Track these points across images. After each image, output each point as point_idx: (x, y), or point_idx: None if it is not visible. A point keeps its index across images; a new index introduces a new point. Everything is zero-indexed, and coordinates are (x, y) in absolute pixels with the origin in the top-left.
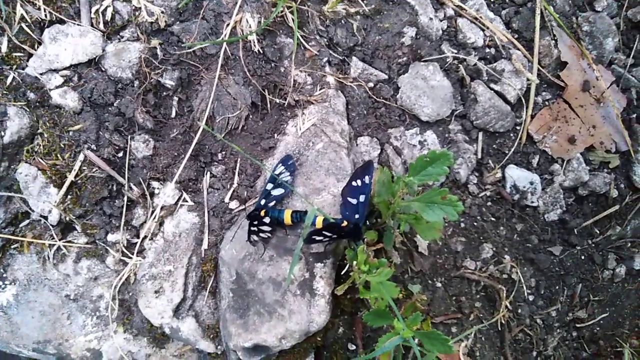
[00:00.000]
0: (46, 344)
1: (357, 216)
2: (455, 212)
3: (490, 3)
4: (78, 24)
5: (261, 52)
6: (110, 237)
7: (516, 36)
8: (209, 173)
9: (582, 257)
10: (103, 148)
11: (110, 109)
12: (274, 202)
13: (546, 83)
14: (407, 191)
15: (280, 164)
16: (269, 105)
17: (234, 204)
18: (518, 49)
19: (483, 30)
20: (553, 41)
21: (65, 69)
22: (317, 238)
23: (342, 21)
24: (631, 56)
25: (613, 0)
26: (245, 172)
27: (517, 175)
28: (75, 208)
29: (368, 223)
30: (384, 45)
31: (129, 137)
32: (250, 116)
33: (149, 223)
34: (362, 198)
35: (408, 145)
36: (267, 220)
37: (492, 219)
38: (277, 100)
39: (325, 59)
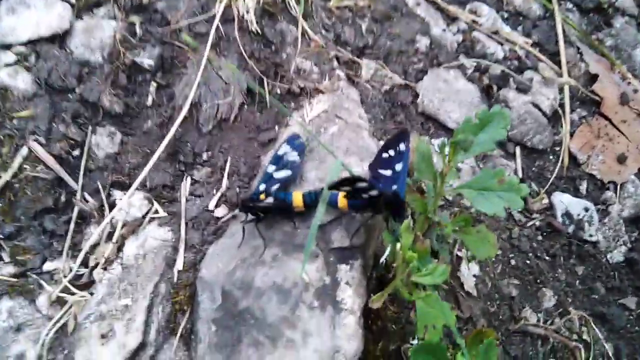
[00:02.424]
0: None
1: (394, 187)
2: (519, 199)
3: (505, 19)
4: None
5: (260, 32)
6: (48, 266)
7: (538, 49)
8: (189, 178)
9: None
10: (54, 142)
11: (70, 95)
12: (277, 186)
13: (579, 100)
14: (456, 164)
15: (285, 143)
16: (267, 95)
17: (221, 211)
18: (542, 61)
19: (501, 44)
20: (578, 55)
21: (21, 44)
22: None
23: (349, 21)
24: None
25: (630, 18)
26: (238, 172)
27: (568, 201)
28: (5, 222)
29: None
30: (396, 50)
31: (90, 128)
32: (246, 105)
33: (103, 245)
34: (398, 167)
35: (436, 154)
36: (270, 200)
37: (547, 257)
38: (279, 89)
39: (333, 53)
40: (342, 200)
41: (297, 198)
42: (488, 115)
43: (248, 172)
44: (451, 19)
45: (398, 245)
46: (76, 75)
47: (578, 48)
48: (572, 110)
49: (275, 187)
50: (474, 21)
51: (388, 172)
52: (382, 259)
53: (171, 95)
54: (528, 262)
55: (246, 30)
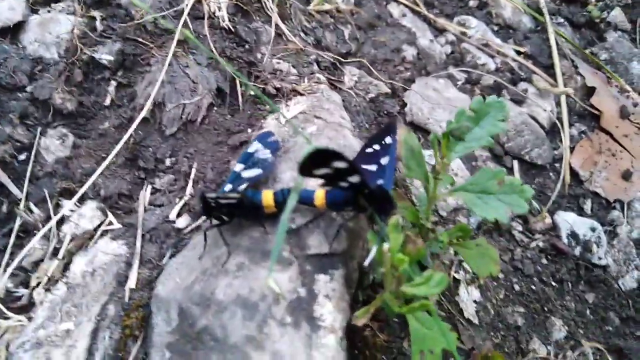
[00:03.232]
0: None
1: (380, 182)
2: (523, 202)
3: (495, 31)
4: None
5: (232, 30)
6: None
7: (531, 61)
8: (149, 186)
9: None
10: None
11: (19, 94)
12: (245, 185)
13: (577, 114)
14: (450, 160)
15: (257, 141)
16: (240, 97)
17: (183, 222)
18: (535, 73)
19: (492, 56)
20: (573, 67)
21: None
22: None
23: (331, 26)
24: None
25: (622, 32)
26: (204, 179)
27: (572, 220)
28: None
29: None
30: (382, 58)
31: (40, 130)
32: (215, 107)
33: (47, 262)
34: (384, 160)
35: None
36: (235, 195)
37: (554, 282)
38: (251, 90)
39: (313, 56)
40: (319, 197)
41: (267, 197)
42: (484, 105)
43: (216, 178)
44: (439, 31)
45: (385, 246)
46: (27, 72)
47: (572, 61)
48: (571, 125)
49: (243, 186)
50: (462, 33)
51: (373, 167)
52: (367, 261)
53: (132, 94)
54: (533, 287)
55: (217, 27)
